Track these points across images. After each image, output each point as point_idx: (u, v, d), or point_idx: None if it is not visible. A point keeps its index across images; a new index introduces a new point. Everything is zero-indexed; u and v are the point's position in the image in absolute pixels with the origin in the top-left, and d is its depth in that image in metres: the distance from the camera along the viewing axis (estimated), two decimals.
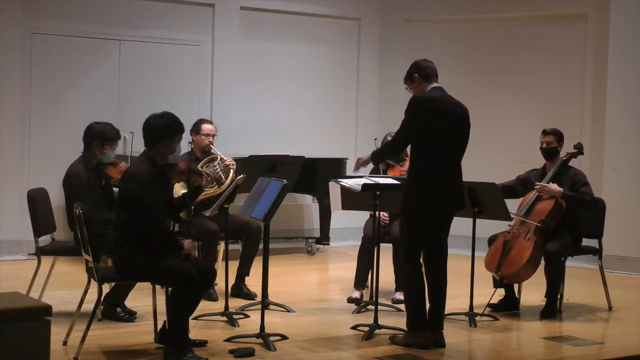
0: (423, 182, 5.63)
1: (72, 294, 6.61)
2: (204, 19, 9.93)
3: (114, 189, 6.54)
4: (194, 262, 5.42)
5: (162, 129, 5.36)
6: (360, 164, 5.90)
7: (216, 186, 6.86)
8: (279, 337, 5.77)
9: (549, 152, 6.97)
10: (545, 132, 7.00)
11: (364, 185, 5.98)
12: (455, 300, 6.62)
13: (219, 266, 7.12)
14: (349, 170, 9.76)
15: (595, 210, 6.94)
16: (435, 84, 5.77)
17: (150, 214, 5.21)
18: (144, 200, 5.19)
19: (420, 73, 5.78)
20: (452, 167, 5.72)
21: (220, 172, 6.99)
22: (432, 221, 5.69)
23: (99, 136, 6.41)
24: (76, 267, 7.61)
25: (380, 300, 6.26)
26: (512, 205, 6.79)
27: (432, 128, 5.62)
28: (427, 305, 5.76)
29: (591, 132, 9.50)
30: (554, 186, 6.75)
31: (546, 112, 9.73)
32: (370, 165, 7.44)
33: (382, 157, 6.09)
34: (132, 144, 7.13)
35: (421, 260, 5.77)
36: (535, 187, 6.79)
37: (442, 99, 5.73)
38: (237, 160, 7.28)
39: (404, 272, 6.00)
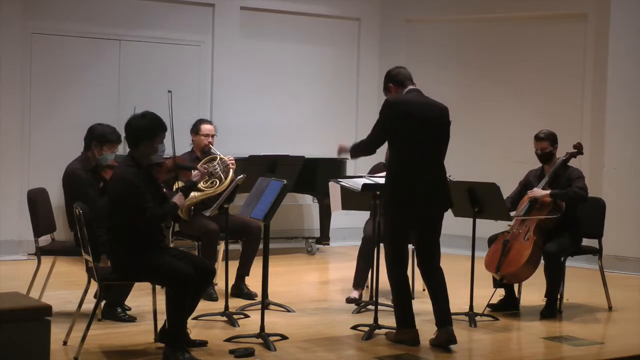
0: (396, 182, 5.64)
1: (72, 294, 6.61)
2: (204, 19, 9.93)
3: None
4: (193, 260, 5.42)
5: (142, 129, 5.29)
6: (340, 150, 6.02)
7: (216, 183, 6.86)
8: (279, 337, 5.77)
9: (545, 157, 6.97)
10: (538, 138, 6.97)
11: (364, 185, 5.98)
12: (455, 300, 6.60)
13: (219, 266, 7.12)
14: (349, 171, 9.77)
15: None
16: (410, 87, 5.78)
17: (145, 214, 5.16)
18: (137, 201, 5.14)
19: (393, 82, 5.81)
20: (428, 167, 5.68)
21: (220, 172, 6.99)
22: (413, 222, 5.69)
23: (99, 137, 6.39)
24: (76, 267, 7.60)
25: (380, 300, 6.24)
26: None
27: (402, 129, 5.62)
28: (428, 304, 5.76)
29: (591, 131, 9.49)
30: (539, 191, 6.77)
31: (547, 111, 9.72)
32: (370, 165, 7.46)
33: (356, 154, 6.09)
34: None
35: (404, 258, 5.76)
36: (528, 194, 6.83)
37: (413, 101, 5.71)
38: (237, 160, 7.28)
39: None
